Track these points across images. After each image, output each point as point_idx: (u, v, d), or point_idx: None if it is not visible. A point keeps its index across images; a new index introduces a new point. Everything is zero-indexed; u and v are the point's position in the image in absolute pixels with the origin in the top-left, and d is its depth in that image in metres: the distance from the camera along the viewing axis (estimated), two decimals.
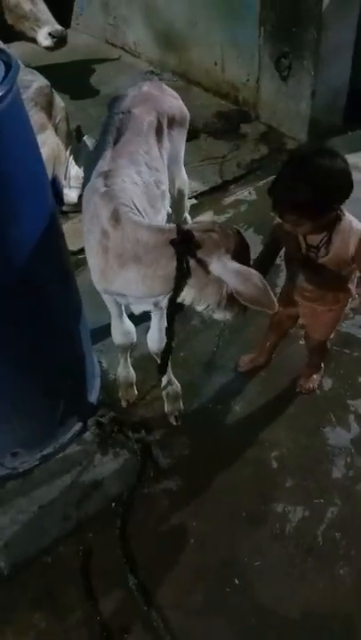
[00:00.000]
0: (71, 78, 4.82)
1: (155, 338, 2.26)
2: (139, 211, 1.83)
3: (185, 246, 1.66)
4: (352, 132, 4.16)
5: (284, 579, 1.95)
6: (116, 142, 2.02)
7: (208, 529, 2.07)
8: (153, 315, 2.20)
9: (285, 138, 4.18)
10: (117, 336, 2.31)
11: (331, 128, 4.11)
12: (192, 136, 4.08)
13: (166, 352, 1.98)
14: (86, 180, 2.02)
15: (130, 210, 1.79)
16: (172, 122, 2.27)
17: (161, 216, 2.15)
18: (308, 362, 2.47)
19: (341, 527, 2.06)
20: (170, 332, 1.90)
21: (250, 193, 3.64)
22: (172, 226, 1.75)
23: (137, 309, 2.11)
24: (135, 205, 1.83)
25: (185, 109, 2.38)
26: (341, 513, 2.10)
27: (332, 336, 2.31)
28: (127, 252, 1.75)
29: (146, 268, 1.74)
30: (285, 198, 1.72)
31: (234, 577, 1.95)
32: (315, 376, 2.48)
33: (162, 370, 2.14)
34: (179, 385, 2.41)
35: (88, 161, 2.13)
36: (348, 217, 1.85)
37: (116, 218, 1.75)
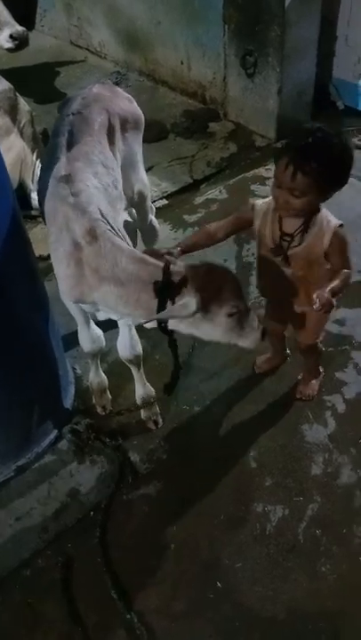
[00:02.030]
0: (36, 81, 4.77)
1: (125, 344, 2.21)
2: (106, 219, 1.81)
3: (167, 292, 1.68)
4: None
5: (266, 579, 1.94)
6: (69, 144, 1.99)
7: (188, 533, 2.05)
8: (120, 323, 2.16)
9: (254, 135, 4.18)
10: (85, 343, 2.27)
11: (298, 124, 4.11)
12: (161, 136, 4.08)
13: (174, 377, 2.06)
14: (44, 183, 1.98)
15: (107, 228, 1.77)
16: (125, 123, 2.25)
17: (121, 217, 2.14)
18: (305, 368, 2.44)
19: (322, 524, 2.06)
20: (174, 354, 1.99)
21: (220, 192, 3.63)
22: (155, 262, 1.74)
23: (103, 317, 2.08)
24: (102, 213, 1.81)
25: (139, 111, 2.36)
26: (321, 510, 2.10)
27: (320, 338, 2.29)
28: (105, 271, 1.74)
29: (127, 294, 1.75)
30: (313, 158, 1.67)
31: (216, 580, 1.94)
32: (314, 382, 2.44)
33: (169, 391, 2.13)
34: (152, 389, 2.38)
35: (43, 164, 2.10)
36: (325, 211, 1.86)
37: (92, 235, 1.74)
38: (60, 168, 1.91)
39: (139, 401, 2.37)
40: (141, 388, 2.37)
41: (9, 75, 3.28)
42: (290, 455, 2.26)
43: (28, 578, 1.96)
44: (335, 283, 1.86)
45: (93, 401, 2.42)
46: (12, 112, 3.13)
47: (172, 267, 1.70)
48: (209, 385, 2.52)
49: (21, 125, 3.24)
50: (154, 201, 3.18)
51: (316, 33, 3.83)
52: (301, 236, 1.86)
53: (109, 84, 2.37)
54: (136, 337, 2.22)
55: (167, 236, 3.24)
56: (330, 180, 1.73)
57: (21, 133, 3.25)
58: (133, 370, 2.32)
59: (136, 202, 2.44)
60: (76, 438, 2.29)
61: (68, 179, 1.86)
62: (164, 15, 4.42)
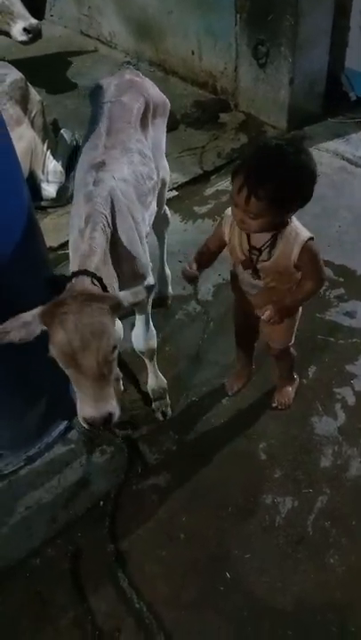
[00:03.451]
0: (47, 71, 4.76)
1: (140, 336, 2.23)
2: (114, 211, 1.79)
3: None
4: (332, 118, 4.15)
5: (275, 570, 1.94)
6: (108, 131, 1.99)
7: (198, 524, 2.06)
8: (137, 314, 2.17)
9: (265, 126, 4.15)
10: None
11: (310, 114, 4.11)
12: (171, 127, 4.05)
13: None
14: (80, 168, 1.97)
15: (101, 226, 1.73)
16: (156, 109, 2.26)
17: (149, 212, 2.12)
18: (278, 374, 2.39)
19: (331, 516, 2.06)
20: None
21: (231, 183, 3.60)
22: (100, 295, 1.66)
23: None
24: (113, 207, 1.79)
25: (165, 97, 2.37)
26: (331, 502, 2.10)
27: (292, 342, 2.20)
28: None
29: None
30: (267, 180, 1.60)
31: (225, 571, 1.94)
32: (289, 388, 2.40)
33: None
34: (165, 380, 2.39)
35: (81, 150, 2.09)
36: (295, 224, 1.79)
37: (86, 222, 1.72)
38: (96, 156, 1.91)
39: (150, 391, 2.37)
40: (154, 379, 2.38)
41: (20, 65, 3.26)
42: (299, 447, 2.26)
43: (38, 567, 1.97)
44: (294, 297, 1.86)
45: None
46: (23, 102, 3.12)
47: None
48: (218, 377, 2.51)
49: (32, 115, 3.23)
50: None
51: (329, 22, 3.79)
52: (269, 250, 1.79)
53: (133, 70, 2.37)
54: (153, 330, 2.24)
55: (177, 227, 3.23)
56: (287, 202, 1.66)
57: (32, 123, 3.24)
58: (147, 361, 2.33)
59: (158, 188, 2.43)
60: (86, 429, 2.30)
61: (99, 166, 1.85)
62: (175, 4, 4.38)
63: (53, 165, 3.41)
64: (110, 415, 1.58)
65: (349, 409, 2.37)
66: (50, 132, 3.49)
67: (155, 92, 2.31)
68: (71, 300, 1.52)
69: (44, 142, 3.36)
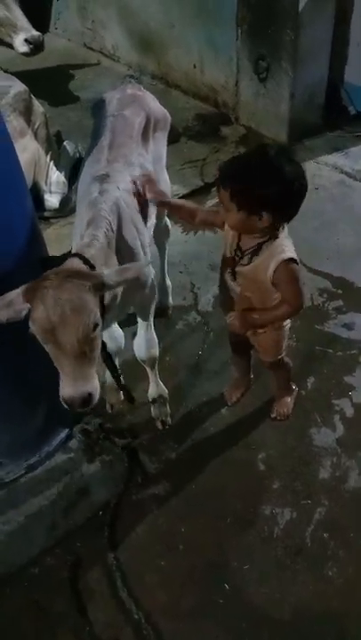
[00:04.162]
0: (50, 84, 4.80)
1: (142, 345, 2.25)
2: (120, 220, 1.82)
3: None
4: (331, 132, 4.19)
5: (274, 581, 1.95)
6: (110, 145, 2.02)
7: (197, 534, 2.06)
8: (139, 322, 2.19)
9: (265, 139, 4.18)
10: (106, 340, 2.30)
11: (310, 128, 4.14)
12: (173, 139, 4.09)
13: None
14: (82, 182, 2.01)
15: (105, 230, 1.74)
16: (157, 124, 2.30)
17: (150, 222, 2.15)
18: (275, 385, 2.41)
19: (329, 528, 2.07)
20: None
21: None
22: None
23: None
24: (120, 215, 1.82)
25: (166, 111, 2.41)
26: (329, 513, 2.11)
27: (283, 354, 2.19)
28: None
29: None
30: (228, 173, 1.67)
31: (224, 581, 1.95)
32: (288, 399, 2.41)
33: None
34: (165, 389, 2.41)
35: (83, 164, 2.13)
36: (285, 241, 1.80)
37: (89, 224, 1.74)
38: (99, 169, 1.94)
39: (151, 400, 2.39)
40: (155, 388, 2.40)
41: (24, 77, 3.31)
42: (298, 458, 2.27)
43: (37, 576, 1.98)
44: (264, 314, 1.88)
45: (106, 398, 2.44)
46: (27, 114, 3.16)
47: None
48: (218, 387, 2.53)
49: (36, 127, 3.27)
50: None
51: (329, 34, 3.83)
52: (251, 257, 1.82)
53: (135, 84, 2.41)
54: (155, 338, 2.26)
55: (178, 238, 3.25)
56: (255, 205, 1.66)
57: (35, 135, 3.28)
58: (148, 370, 2.35)
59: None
60: (86, 438, 2.32)
61: (103, 178, 1.88)
62: (177, 18, 4.43)
63: (56, 176, 3.45)
64: (90, 395, 1.55)
65: (348, 420, 2.39)
66: (53, 144, 3.53)
67: (155, 105, 2.34)
68: (54, 276, 1.53)
69: (47, 154, 3.40)
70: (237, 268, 1.88)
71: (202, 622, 1.87)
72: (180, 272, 2.94)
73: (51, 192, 3.43)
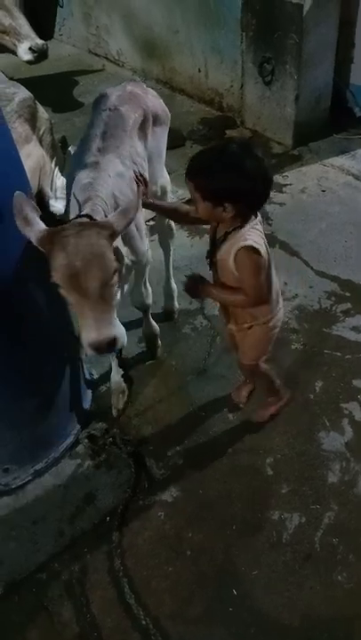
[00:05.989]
0: (55, 90, 4.83)
1: (137, 294, 2.38)
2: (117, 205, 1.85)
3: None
4: (337, 134, 4.18)
5: (282, 587, 1.93)
6: (103, 136, 2.05)
7: (204, 539, 2.05)
8: (135, 275, 2.29)
9: (271, 142, 4.19)
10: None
11: (315, 130, 4.14)
12: (178, 143, 4.10)
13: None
14: (72, 171, 2.03)
15: (99, 209, 1.78)
16: (156, 119, 2.33)
17: (140, 213, 2.17)
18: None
19: (339, 532, 2.05)
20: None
21: None
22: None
23: None
24: (116, 198, 1.87)
25: (166, 107, 2.45)
26: (338, 518, 2.08)
27: (256, 362, 2.15)
28: None
29: None
30: (192, 163, 1.72)
31: (232, 587, 1.93)
32: (270, 406, 2.38)
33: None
34: (157, 327, 2.57)
35: (75, 154, 2.18)
36: (250, 231, 1.78)
37: (85, 201, 1.78)
38: (91, 156, 1.96)
39: (144, 336, 2.54)
40: (148, 326, 2.59)
41: (28, 83, 3.32)
42: (306, 463, 2.25)
43: (45, 581, 1.97)
44: (221, 290, 1.91)
45: (111, 401, 2.44)
46: (32, 120, 3.17)
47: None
48: (224, 391, 2.51)
49: (41, 133, 3.28)
50: None
51: (334, 37, 3.84)
52: (220, 245, 1.85)
53: (139, 81, 2.45)
54: (149, 289, 2.41)
55: (183, 242, 3.26)
56: (216, 193, 1.69)
57: (40, 141, 3.29)
58: (143, 313, 2.51)
59: (158, 196, 2.47)
60: (92, 443, 2.31)
61: (95, 166, 1.91)
62: (181, 22, 4.45)
63: (61, 182, 3.45)
64: (115, 339, 1.61)
65: (357, 424, 2.37)
66: (58, 150, 3.54)
67: (155, 102, 2.38)
68: (70, 226, 1.61)
69: (52, 160, 3.40)
70: (214, 259, 1.91)
71: (210, 628, 1.85)
72: (187, 276, 2.92)
73: (56, 197, 3.43)
